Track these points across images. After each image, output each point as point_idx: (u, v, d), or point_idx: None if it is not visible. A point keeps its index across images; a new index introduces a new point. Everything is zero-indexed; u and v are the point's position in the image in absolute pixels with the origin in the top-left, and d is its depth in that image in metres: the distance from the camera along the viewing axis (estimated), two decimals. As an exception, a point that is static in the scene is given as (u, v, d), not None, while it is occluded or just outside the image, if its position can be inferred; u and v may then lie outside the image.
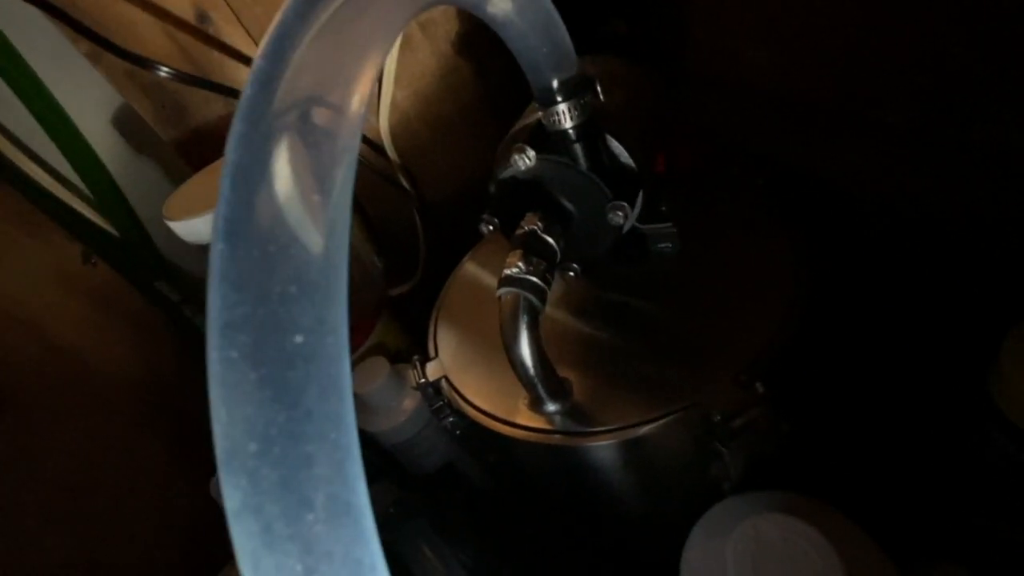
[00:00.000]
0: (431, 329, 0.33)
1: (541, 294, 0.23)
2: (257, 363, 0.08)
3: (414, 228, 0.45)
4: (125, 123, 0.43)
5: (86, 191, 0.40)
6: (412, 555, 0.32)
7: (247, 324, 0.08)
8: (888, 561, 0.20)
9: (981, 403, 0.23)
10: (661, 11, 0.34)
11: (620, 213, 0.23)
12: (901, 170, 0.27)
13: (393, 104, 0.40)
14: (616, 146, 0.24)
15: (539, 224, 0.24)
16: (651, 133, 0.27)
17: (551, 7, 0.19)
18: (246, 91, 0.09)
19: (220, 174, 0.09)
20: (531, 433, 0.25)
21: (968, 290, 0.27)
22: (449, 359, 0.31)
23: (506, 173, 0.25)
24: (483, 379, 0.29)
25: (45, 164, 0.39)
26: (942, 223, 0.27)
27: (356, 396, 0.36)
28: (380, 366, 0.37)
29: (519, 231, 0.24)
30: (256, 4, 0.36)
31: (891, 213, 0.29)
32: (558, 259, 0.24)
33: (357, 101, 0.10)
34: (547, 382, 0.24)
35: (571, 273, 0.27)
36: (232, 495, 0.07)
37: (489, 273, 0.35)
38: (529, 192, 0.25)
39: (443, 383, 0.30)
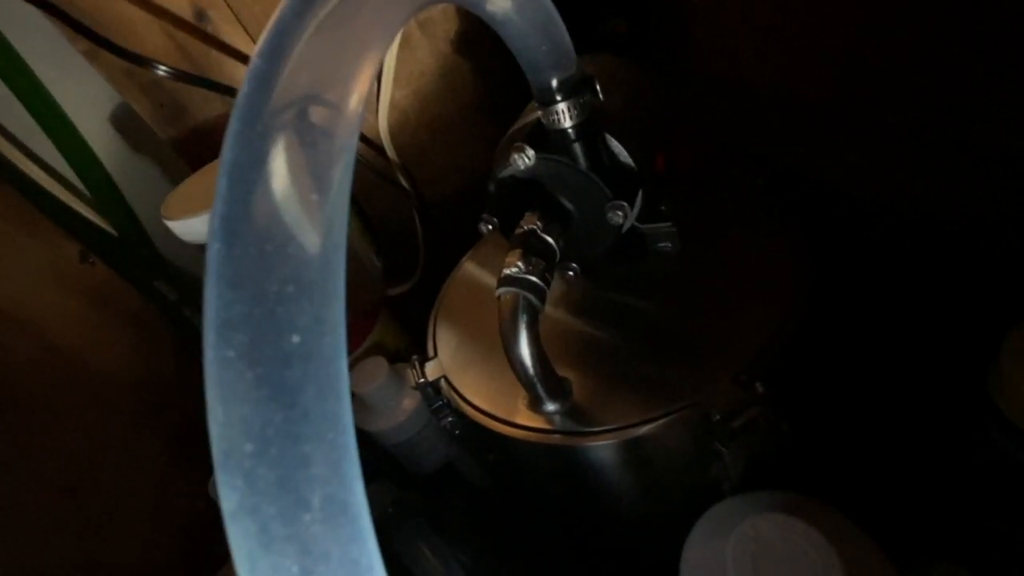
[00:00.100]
0: (430, 329, 0.33)
1: (540, 294, 0.23)
2: (254, 362, 0.08)
3: (413, 227, 0.45)
4: (123, 122, 0.43)
5: (84, 190, 0.40)
6: (411, 555, 0.32)
7: (244, 323, 0.08)
8: (888, 561, 0.19)
9: (981, 403, 0.23)
10: (661, 10, 0.34)
11: (619, 212, 0.23)
12: (901, 170, 0.27)
13: (392, 103, 0.40)
14: (616, 145, 0.24)
15: (538, 223, 0.24)
16: (651, 133, 0.27)
17: (551, 6, 0.19)
18: (243, 89, 0.09)
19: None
20: (530, 433, 0.25)
21: (968, 290, 0.27)
22: (448, 359, 0.31)
23: (505, 172, 0.25)
24: (482, 379, 0.29)
25: (43, 163, 0.39)
26: (942, 223, 0.27)
27: (355, 396, 0.36)
28: (379, 366, 0.37)
29: (518, 230, 0.24)
30: (255, 3, 0.36)
31: (891, 213, 0.29)
32: (557, 259, 0.24)
33: (355, 100, 0.10)
34: (546, 382, 0.24)
35: (570, 273, 0.27)
36: (228, 495, 0.07)
37: (488, 273, 0.35)
38: (528, 191, 0.25)
39: (442, 383, 0.30)
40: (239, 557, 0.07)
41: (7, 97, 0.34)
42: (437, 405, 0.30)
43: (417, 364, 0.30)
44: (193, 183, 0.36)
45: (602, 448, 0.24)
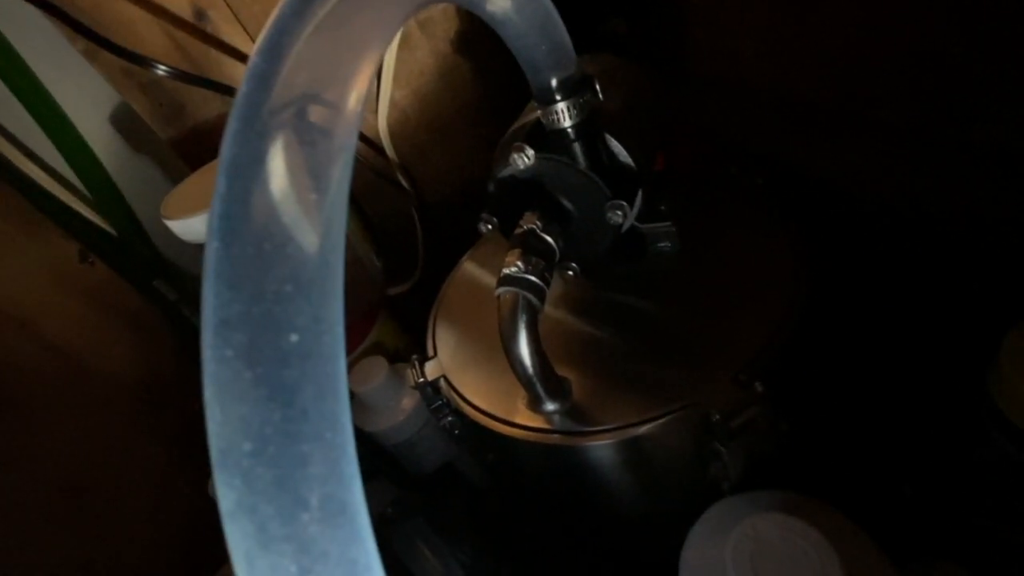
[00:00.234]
0: (430, 328, 0.33)
1: (540, 293, 0.23)
2: (252, 362, 0.08)
3: (413, 227, 0.45)
4: (123, 121, 0.43)
5: (83, 189, 0.40)
6: (411, 554, 0.32)
7: (242, 323, 0.08)
8: (887, 561, 0.19)
9: (981, 403, 0.23)
10: (661, 10, 0.34)
11: (619, 212, 0.23)
12: (901, 170, 0.27)
13: (392, 103, 0.40)
14: (615, 145, 0.24)
15: (538, 223, 0.24)
16: (650, 132, 0.27)
17: (550, 6, 0.19)
18: (242, 88, 0.09)
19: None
20: (530, 433, 0.25)
21: (968, 290, 0.27)
22: (448, 358, 0.31)
23: (505, 172, 0.25)
24: (482, 378, 0.29)
25: (42, 162, 0.39)
26: (942, 223, 0.27)
27: (355, 395, 0.36)
28: (379, 365, 0.37)
29: (518, 230, 0.24)
30: (254, 2, 0.36)
31: (891, 213, 0.29)
32: (557, 258, 0.24)
33: (354, 99, 0.10)
34: (546, 381, 0.24)
35: (570, 272, 0.27)
36: (227, 495, 0.07)
37: (488, 272, 0.35)
38: (528, 191, 0.25)
39: (442, 382, 0.30)
40: (237, 556, 0.07)
41: (6, 97, 0.34)
42: (436, 405, 0.30)
43: (416, 364, 0.30)
44: (192, 182, 0.36)
45: (601, 448, 0.24)
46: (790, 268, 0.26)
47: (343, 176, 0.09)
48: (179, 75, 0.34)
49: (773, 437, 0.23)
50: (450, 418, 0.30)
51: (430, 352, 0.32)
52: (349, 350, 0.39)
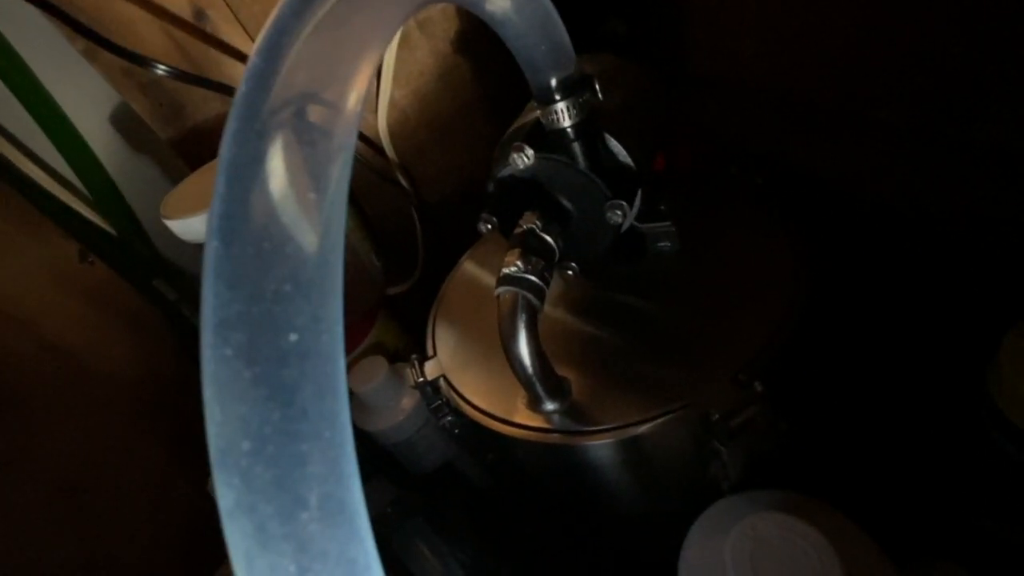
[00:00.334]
0: (429, 328, 0.33)
1: (539, 293, 0.23)
2: (251, 361, 0.08)
3: (412, 227, 0.45)
4: (122, 121, 0.43)
5: (83, 189, 0.40)
6: (410, 554, 0.32)
7: (241, 322, 0.08)
8: (887, 560, 0.19)
9: (981, 403, 0.23)
10: (661, 10, 0.34)
11: (619, 212, 0.23)
12: (901, 170, 0.27)
13: (392, 103, 0.40)
14: (615, 145, 0.24)
15: (537, 223, 0.24)
16: (650, 132, 0.27)
17: (550, 5, 0.19)
18: (241, 88, 0.09)
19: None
20: (530, 432, 0.25)
21: (968, 290, 0.27)
22: (447, 358, 0.31)
23: (504, 172, 0.25)
24: (481, 378, 0.29)
25: (42, 162, 0.39)
26: (942, 223, 0.27)
27: (354, 395, 0.36)
28: (378, 365, 0.37)
29: (517, 230, 0.24)
30: (253, 2, 0.36)
31: (891, 213, 0.29)
32: (557, 258, 0.24)
33: (353, 98, 0.10)
34: (545, 381, 0.24)
35: (570, 272, 0.27)
36: (226, 494, 0.07)
37: (488, 272, 0.35)
38: (527, 191, 0.25)
39: (441, 382, 0.30)
40: (236, 556, 0.07)
41: (6, 97, 0.34)
42: (436, 404, 0.30)
43: (416, 363, 0.30)
44: (192, 182, 0.36)
45: (601, 447, 0.24)
46: (790, 268, 0.26)
47: (342, 176, 0.09)
48: (179, 75, 0.34)
49: (773, 437, 0.23)
50: (450, 418, 0.30)
51: (430, 352, 0.32)
52: (349, 350, 0.39)
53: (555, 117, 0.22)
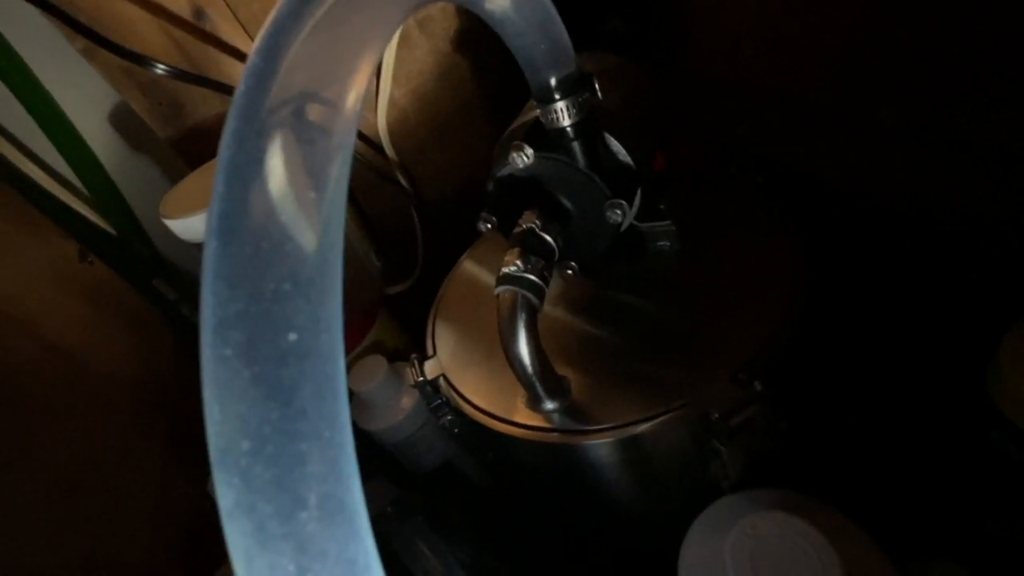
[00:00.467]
0: (429, 327, 0.33)
1: (539, 292, 0.23)
2: (251, 361, 0.08)
3: (412, 226, 0.45)
4: (122, 121, 0.43)
5: (83, 189, 0.40)
6: (410, 553, 0.32)
7: (241, 322, 0.08)
8: (887, 560, 0.19)
9: (981, 403, 0.23)
10: (661, 10, 0.34)
11: (618, 211, 0.23)
12: (901, 170, 0.27)
13: (391, 102, 0.40)
14: (614, 144, 0.24)
15: (537, 222, 0.24)
16: (649, 131, 0.27)
17: (549, 4, 0.19)
18: (240, 88, 0.09)
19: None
20: (529, 431, 0.25)
21: (968, 290, 0.27)
22: (447, 357, 0.31)
23: (504, 171, 0.25)
24: (481, 377, 0.29)
25: (41, 162, 0.39)
26: (942, 223, 0.27)
27: (354, 394, 0.36)
28: (378, 364, 0.37)
29: (517, 229, 0.24)
30: (253, 1, 0.36)
31: (891, 213, 0.29)
32: (556, 257, 0.24)
33: (353, 97, 0.10)
34: (545, 380, 0.24)
35: (569, 271, 0.27)
36: (225, 494, 0.07)
37: (487, 271, 0.35)
38: (527, 190, 0.25)
39: (441, 381, 0.30)
40: (236, 555, 0.07)
41: (6, 97, 0.34)
42: (436, 404, 0.30)
43: (416, 363, 0.30)
44: (192, 182, 0.36)
45: (601, 446, 0.24)
46: (790, 267, 0.26)
47: (342, 175, 0.09)
48: (178, 74, 0.34)
49: (772, 436, 0.23)
50: (449, 417, 0.30)
51: (429, 351, 0.32)
52: (348, 349, 0.39)
53: (555, 116, 0.22)
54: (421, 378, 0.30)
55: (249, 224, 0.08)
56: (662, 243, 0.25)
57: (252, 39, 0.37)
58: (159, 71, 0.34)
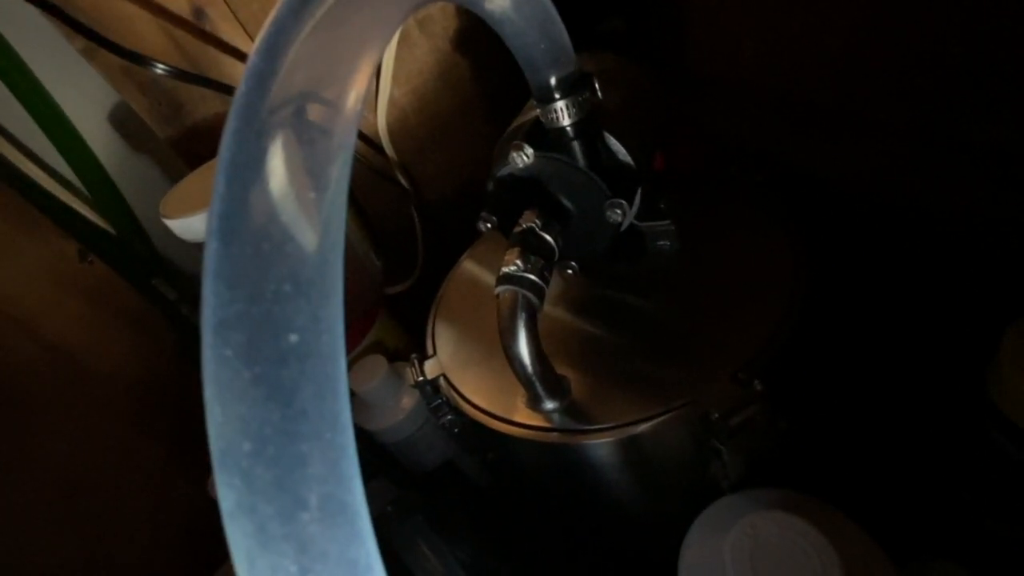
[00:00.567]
0: (429, 327, 0.33)
1: (539, 292, 0.23)
2: (251, 362, 0.08)
3: (412, 226, 0.45)
4: (121, 120, 0.43)
5: (82, 189, 0.40)
6: (410, 553, 0.32)
7: (241, 322, 0.08)
8: (886, 559, 0.20)
9: (981, 403, 0.23)
10: (660, 10, 0.34)
11: (618, 211, 0.23)
12: (901, 170, 0.27)
13: (391, 101, 0.40)
14: (614, 144, 0.24)
15: (537, 222, 0.24)
16: (649, 131, 0.27)
17: (549, 4, 0.19)
18: (240, 88, 0.09)
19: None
20: (529, 431, 0.25)
21: (968, 290, 0.27)
22: (447, 357, 0.31)
23: (504, 171, 0.25)
24: (481, 377, 0.29)
25: (41, 162, 0.39)
26: (942, 223, 0.27)
27: (354, 394, 0.36)
28: (378, 364, 0.37)
29: (517, 229, 0.24)
30: (252, 0, 0.36)
31: (891, 213, 0.29)
32: (556, 257, 0.24)
33: (353, 98, 0.10)
34: (545, 380, 0.24)
35: (569, 271, 0.27)
36: (227, 495, 0.07)
37: (487, 271, 0.35)
38: (527, 190, 0.25)
39: (441, 381, 0.30)
40: (238, 556, 0.07)
41: (6, 97, 0.34)
42: (436, 403, 0.30)
43: (416, 362, 0.30)
44: (191, 181, 0.36)
45: (601, 446, 0.24)
46: (790, 267, 0.26)
47: (342, 175, 0.09)
48: (178, 74, 0.34)
49: (772, 436, 0.23)
50: (449, 417, 0.30)
51: (429, 351, 0.32)
52: (348, 349, 0.39)
53: (555, 116, 0.22)
54: (421, 378, 0.30)
55: (249, 225, 0.08)
56: (662, 243, 0.25)
57: (252, 39, 0.37)
58: (159, 71, 0.34)
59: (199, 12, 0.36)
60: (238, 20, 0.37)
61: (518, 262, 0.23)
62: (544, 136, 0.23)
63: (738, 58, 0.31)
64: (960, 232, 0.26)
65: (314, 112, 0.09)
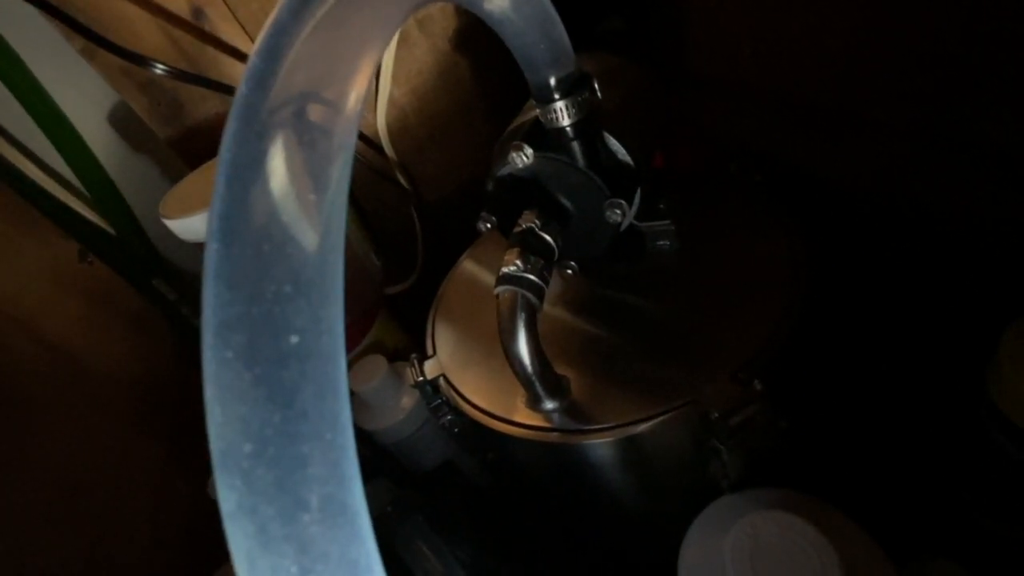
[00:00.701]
0: (429, 327, 0.33)
1: (539, 292, 0.23)
2: (252, 363, 0.08)
3: (412, 226, 0.45)
4: (121, 120, 0.42)
5: (82, 189, 0.40)
6: (410, 553, 0.32)
7: (242, 323, 0.08)
8: (886, 559, 0.20)
9: (980, 402, 0.23)
10: (660, 10, 0.34)
11: (618, 211, 0.23)
12: (901, 170, 0.27)
13: (391, 101, 0.40)
14: (614, 144, 0.24)
15: (537, 222, 0.24)
16: (649, 131, 0.27)
17: (548, 4, 0.19)
18: (241, 89, 0.09)
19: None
20: (529, 431, 0.25)
21: (968, 289, 0.27)
22: (447, 357, 0.31)
23: (504, 171, 0.25)
24: (481, 377, 0.29)
25: (41, 162, 0.39)
26: (942, 223, 0.27)
27: (354, 394, 0.36)
28: (378, 364, 0.37)
29: (517, 229, 0.24)
30: (252, 0, 0.36)
31: (891, 213, 0.29)
32: (556, 257, 0.24)
33: (353, 98, 0.10)
34: (545, 380, 0.24)
35: (569, 271, 0.27)
36: (227, 496, 0.07)
37: (487, 271, 0.35)
38: (527, 190, 0.25)
39: (441, 381, 0.30)
40: (238, 557, 0.07)
41: (5, 97, 0.34)
42: (436, 403, 0.30)
43: (416, 362, 0.30)
44: (191, 182, 0.36)
45: (601, 446, 0.24)
46: (789, 267, 0.26)
47: (342, 175, 0.09)
48: (177, 74, 0.34)
49: (772, 435, 0.23)
50: (449, 417, 0.30)
51: (429, 351, 0.32)
52: (348, 349, 0.39)
53: (554, 116, 0.22)
54: (421, 378, 0.30)
55: (250, 225, 0.08)
56: (662, 243, 0.26)
57: (251, 39, 0.37)
58: (158, 71, 0.34)
59: (198, 12, 0.36)
60: (237, 20, 0.37)
61: (518, 262, 0.23)
62: (544, 136, 0.23)
63: (738, 58, 0.31)
64: (960, 232, 0.26)
65: (314, 112, 0.09)
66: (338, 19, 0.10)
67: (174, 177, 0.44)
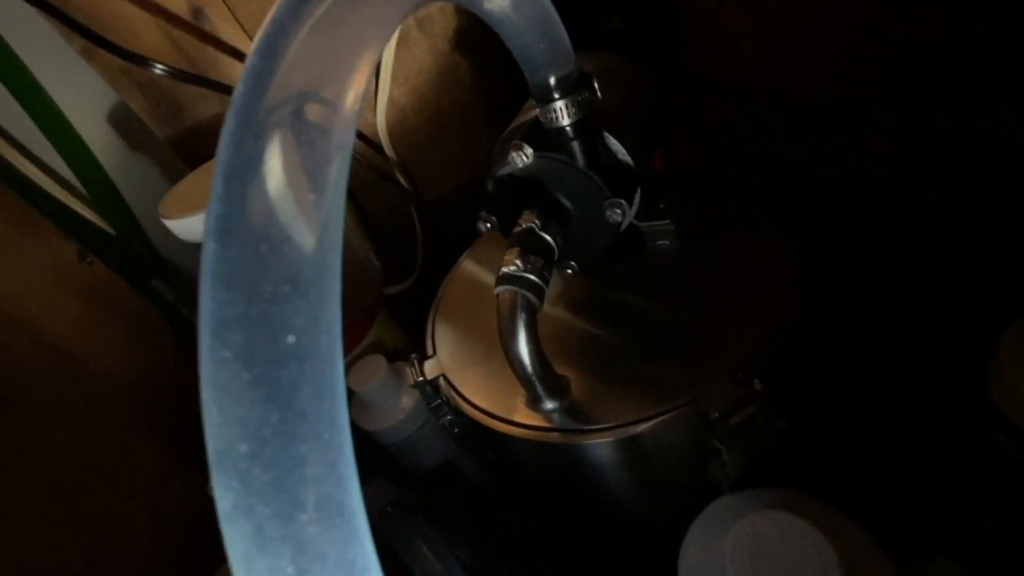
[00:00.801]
0: (429, 327, 0.33)
1: (539, 292, 0.23)
2: (249, 363, 0.08)
3: (412, 226, 0.45)
4: (120, 120, 0.42)
5: (82, 189, 0.40)
6: (410, 553, 0.32)
7: (240, 324, 0.08)
8: (886, 559, 0.20)
9: (980, 402, 0.23)
10: (660, 10, 0.34)
11: (618, 211, 0.23)
12: (901, 170, 0.27)
13: (390, 101, 0.40)
14: (614, 143, 0.24)
15: (537, 222, 0.24)
16: (649, 131, 0.27)
17: (548, 3, 0.19)
18: (239, 88, 0.09)
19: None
20: (529, 431, 0.25)
21: (967, 289, 0.27)
22: (447, 357, 0.31)
23: (503, 171, 0.25)
24: (481, 377, 0.29)
25: (40, 162, 0.39)
26: (942, 223, 0.27)
27: (354, 394, 0.36)
28: (378, 364, 0.37)
29: (517, 229, 0.24)
30: (251, 0, 0.36)
31: (891, 212, 0.29)
32: (556, 257, 0.24)
33: (352, 97, 0.10)
34: (545, 380, 0.24)
35: (569, 271, 0.27)
36: (224, 496, 0.07)
37: (487, 271, 0.35)
38: (527, 190, 0.25)
39: (441, 381, 0.30)
40: (235, 558, 0.07)
41: (5, 97, 0.34)
42: (436, 403, 0.30)
43: (416, 362, 0.30)
44: (191, 182, 0.36)
45: (601, 446, 0.24)
46: (789, 267, 0.26)
47: (341, 175, 0.09)
48: (177, 74, 0.34)
49: (772, 435, 0.23)
50: (449, 417, 0.30)
51: (429, 351, 0.32)
52: (348, 349, 0.39)
53: (554, 115, 0.22)
54: (421, 378, 0.30)
55: (248, 225, 0.08)
56: (662, 243, 0.25)
57: (250, 38, 0.37)
58: (157, 71, 0.34)
59: (198, 12, 0.36)
60: (237, 20, 0.37)
61: (518, 262, 0.23)
62: (544, 136, 0.23)
63: (738, 58, 0.31)
64: (960, 232, 0.26)
65: (312, 112, 0.09)
66: (337, 18, 0.10)
67: (174, 177, 0.44)
